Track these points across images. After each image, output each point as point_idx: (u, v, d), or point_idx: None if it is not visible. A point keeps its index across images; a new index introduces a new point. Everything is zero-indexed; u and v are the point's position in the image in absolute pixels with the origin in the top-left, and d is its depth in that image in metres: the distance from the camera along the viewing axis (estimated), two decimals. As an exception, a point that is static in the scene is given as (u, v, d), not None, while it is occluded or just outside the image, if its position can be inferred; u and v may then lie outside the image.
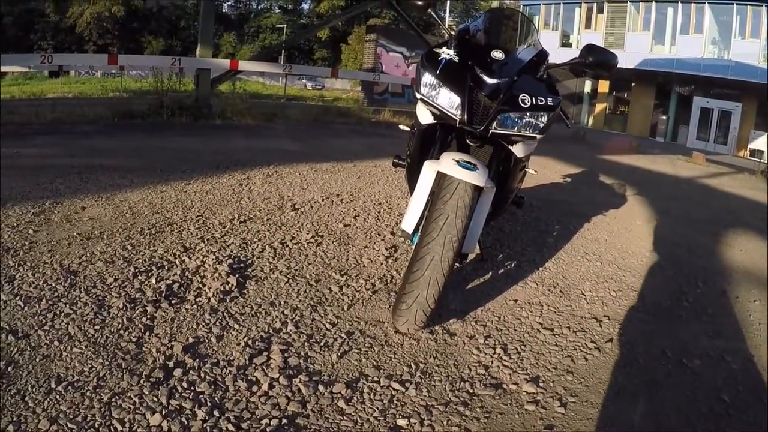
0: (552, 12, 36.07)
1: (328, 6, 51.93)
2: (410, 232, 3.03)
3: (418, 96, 3.03)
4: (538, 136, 2.95)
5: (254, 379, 2.43)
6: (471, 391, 2.54)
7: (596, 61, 3.13)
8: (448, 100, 2.88)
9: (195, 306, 3.00)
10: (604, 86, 34.44)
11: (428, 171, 2.92)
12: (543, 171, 8.07)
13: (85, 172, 5.59)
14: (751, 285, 4.52)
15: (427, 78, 2.96)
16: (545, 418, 2.42)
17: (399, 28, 27.83)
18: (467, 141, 3.00)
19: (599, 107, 35.57)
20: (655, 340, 3.29)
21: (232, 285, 3.27)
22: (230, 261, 3.60)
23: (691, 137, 30.51)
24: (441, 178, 2.78)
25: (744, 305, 4.08)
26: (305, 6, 62.58)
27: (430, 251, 2.67)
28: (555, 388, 2.65)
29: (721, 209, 8.38)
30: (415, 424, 2.26)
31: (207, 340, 2.69)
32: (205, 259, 3.61)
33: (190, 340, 2.67)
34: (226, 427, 2.10)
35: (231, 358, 2.55)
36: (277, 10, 62.21)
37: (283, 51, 44.35)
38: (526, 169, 3.59)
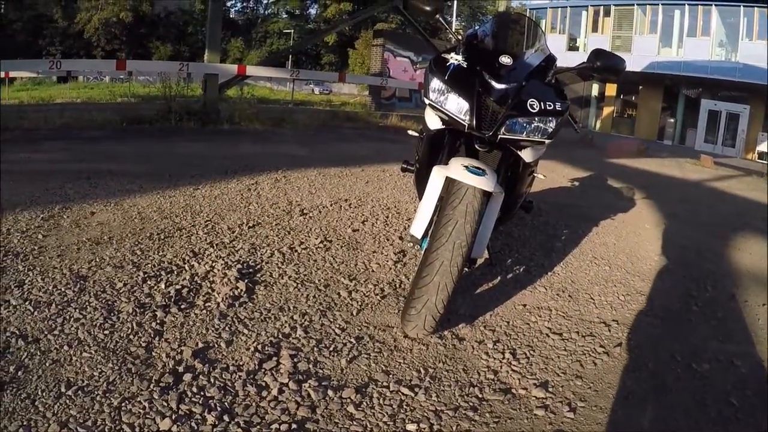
0: (559, 15, 36.05)
1: (335, 11, 51.98)
2: (419, 237, 3.03)
3: (427, 101, 3.03)
4: (547, 141, 2.95)
5: (264, 384, 2.43)
6: (480, 396, 2.54)
7: (604, 65, 3.12)
8: (457, 106, 2.89)
9: (204, 311, 3.01)
10: (611, 89, 34.38)
11: (437, 176, 2.92)
12: (551, 175, 8.06)
13: (94, 177, 5.62)
14: (760, 288, 4.50)
15: (436, 83, 2.96)
16: (554, 423, 2.42)
17: (406, 33, 27.92)
18: (476, 146, 3.00)
19: (607, 110, 35.50)
20: (664, 344, 3.28)
21: (242, 290, 3.27)
22: (239, 266, 3.61)
23: (699, 140, 30.40)
24: (450, 183, 2.79)
25: (753, 309, 4.07)
26: (312, 11, 62.70)
27: (439, 257, 2.67)
28: (564, 392, 2.64)
29: (729, 212, 8.36)
30: (424, 429, 2.26)
31: (216, 345, 2.69)
32: (214, 264, 3.61)
33: (200, 345, 2.68)
34: (236, 432, 2.10)
35: (240, 363, 2.56)
36: (285, 15, 62.26)
37: (290, 56, 44.44)
38: (535, 174, 3.58)
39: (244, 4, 64.96)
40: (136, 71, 26.58)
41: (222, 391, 2.34)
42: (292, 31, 56.83)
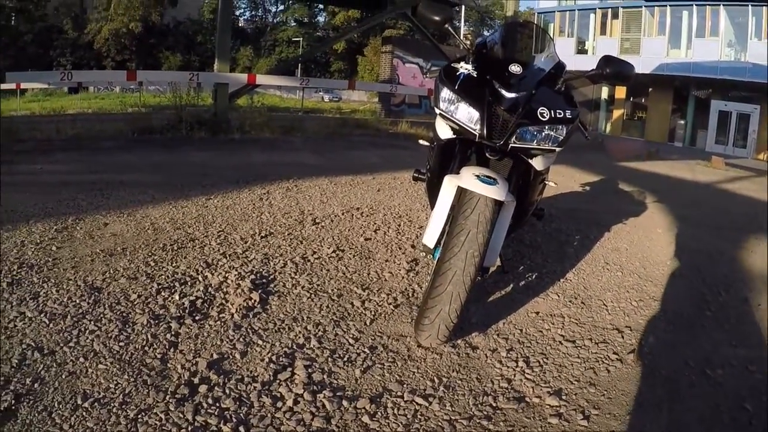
0: (567, 19, 36.06)
1: (343, 18, 52.18)
2: (432, 246, 3.05)
3: (438, 111, 3.05)
4: (558, 149, 2.96)
5: (279, 394, 2.44)
6: (494, 404, 2.54)
7: (613, 72, 3.12)
8: (468, 115, 2.90)
9: (219, 322, 3.03)
10: (621, 92, 34.31)
11: (449, 186, 2.93)
12: (562, 180, 8.05)
13: (106, 187, 5.67)
14: (775, 291, 4.47)
15: (446, 93, 2.98)
16: (568, 431, 2.42)
17: (415, 39, 27.94)
18: (487, 155, 3.02)
19: (617, 113, 35.45)
20: (678, 350, 3.26)
21: (255, 301, 3.29)
22: (252, 276, 3.63)
23: (710, 141, 30.30)
24: (461, 193, 2.80)
25: (766, 313, 4.04)
26: (321, 19, 63.01)
27: (452, 267, 2.68)
28: (578, 400, 2.64)
29: (741, 214, 8.30)
30: (439, 438, 2.27)
31: (231, 356, 2.71)
32: (227, 274, 3.63)
33: (215, 356, 2.69)
34: (252, 444, 2.12)
35: (255, 374, 2.57)
36: (293, 23, 62.53)
37: (299, 64, 44.57)
38: (546, 182, 3.59)
39: (253, 12, 65.40)
40: (147, 81, 26.71)
41: (237, 403, 2.35)
42: (301, 38, 57.07)
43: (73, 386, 2.35)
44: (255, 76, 14.42)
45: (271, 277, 3.71)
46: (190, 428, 2.16)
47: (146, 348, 2.71)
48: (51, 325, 2.82)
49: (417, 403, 2.47)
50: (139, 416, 2.19)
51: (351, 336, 3.02)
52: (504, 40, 3.40)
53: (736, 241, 6.10)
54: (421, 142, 4.22)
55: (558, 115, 2.90)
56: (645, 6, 31.89)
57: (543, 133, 2.90)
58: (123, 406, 2.24)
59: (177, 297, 3.26)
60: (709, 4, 29.45)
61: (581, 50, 34.93)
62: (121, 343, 2.72)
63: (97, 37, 48.50)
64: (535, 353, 3.05)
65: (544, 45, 3.51)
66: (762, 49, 26.96)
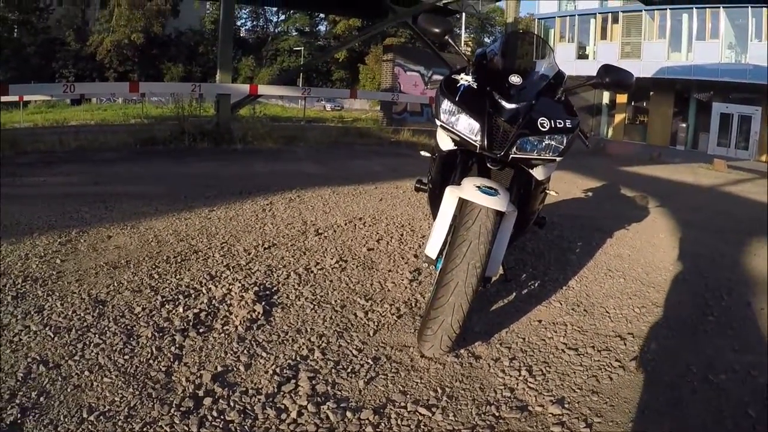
0: (567, 24, 36.14)
1: (344, 27, 52.35)
2: (434, 257, 3.06)
3: (438, 123, 3.08)
4: (558, 159, 2.98)
5: (283, 406, 2.45)
6: (497, 414, 2.54)
7: (613, 81, 3.14)
8: (468, 126, 2.93)
9: (223, 334, 3.04)
10: (622, 96, 34.24)
11: (450, 197, 2.95)
12: (563, 186, 8.07)
13: (109, 200, 5.69)
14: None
15: (447, 105, 3.01)
16: (572, 439, 2.43)
17: (416, 47, 28.00)
18: (488, 165, 3.04)
19: (618, 118, 35.46)
20: (680, 356, 3.27)
21: (259, 313, 3.30)
22: (256, 288, 3.64)
23: (712, 144, 30.30)
24: (463, 204, 2.81)
25: (769, 317, 4.04)
26: (322, 28, 63.25)
27: (454, 277, 2.70)
28: (580, 408, 2.64)
29: (744, 217, 8.29)
30: (442, 449, 2.27)
31: (235, 369, 2.72)
32: (231, 287, 3.65)
33: (219, 368, 2.70)
34: (257, 456, 2.13)
35: (260, 386, 2.58)
36: (294, 33, 62.80)
37: (301, 73, 44.68)
38: (547, 191, 3.60)
39: (254, 22, 65.56)
40: (149, 92, 26.79)
41: (242, 415, 2.36)
42: (302, 48, 57.26)
43: (79, 400, 2.36)
44: (257, 87, 14.48)
45: (275, 288, 3.72)
46: (195, 441, 2.17)
47: (151, 361, 2.72)
48: (56, 339, 2.84)
49: (420, 414, 2.48)
50: (145, 429, 2.21)
51: (354, 347, 3.03)
52: (504, 50, 3.42)
53: (739, 245, 6.10)
54: (422, 153, 4.23)
55: (558, 125, 2.92)
56: (645, 10, 31.93)
57: (543, 143, 2.92)
58: (128, 420, 2.25)
59: (181, 309, 3.27)
60: (708, 7, 29.49)
61: (582, 55, 34.99)
62: (126, 356, 2.73)
63: (99, 49, 48.75)
64: (538, 362, 3.06)
65: (544, 54, 3.53)
66: (762, 51, 26.97)
